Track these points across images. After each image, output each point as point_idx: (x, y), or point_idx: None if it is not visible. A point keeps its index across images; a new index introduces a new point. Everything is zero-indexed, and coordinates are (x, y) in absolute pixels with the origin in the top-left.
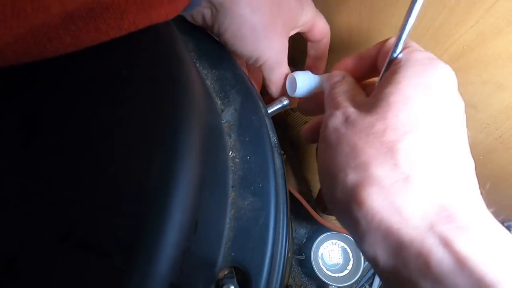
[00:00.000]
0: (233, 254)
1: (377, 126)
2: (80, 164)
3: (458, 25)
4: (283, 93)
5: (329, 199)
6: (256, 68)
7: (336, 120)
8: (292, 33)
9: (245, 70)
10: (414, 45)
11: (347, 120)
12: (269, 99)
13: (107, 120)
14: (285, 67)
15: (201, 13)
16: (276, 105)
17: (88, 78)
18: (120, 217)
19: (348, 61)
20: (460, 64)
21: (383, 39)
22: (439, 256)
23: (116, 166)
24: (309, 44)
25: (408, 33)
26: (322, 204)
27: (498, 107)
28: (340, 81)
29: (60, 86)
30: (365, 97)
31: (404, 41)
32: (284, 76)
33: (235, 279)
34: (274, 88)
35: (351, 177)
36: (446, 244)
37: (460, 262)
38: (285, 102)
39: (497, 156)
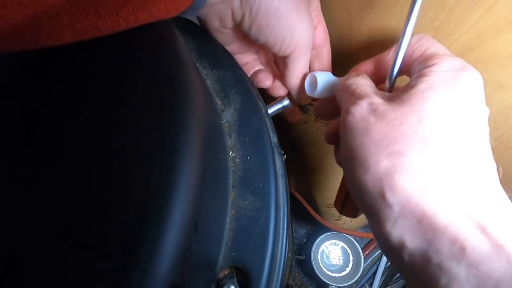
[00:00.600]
0: (233, 254)
1: (412, 118)
2: (81, 164)
3: (458, 25)
4: (301, 89)
5: (357, 187)
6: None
7: (362, 109)
8: None
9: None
10: (440, 48)
11: (375, 110)
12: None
13: (107, 120)
14: (308, 60)
15: (230, 7)
16: (276, 105)
17: (88, 78)
18: (120, 217)
19: (369, 65)
20: None
21: (383, 40)
22: (475, 242)
23: (117, 166)
24: (312, 54)
25: (409, 40)
26: (340, 205)
27: (498, 107)
28: (358, 77)
29: (61, 85)
30: (384, 93)
31: (406, 46)
32: (305, 69)
33: (235, 279)
34: (295, 79)
35: (385, 163)
36: (483, 230)
37: (498, 248)
38: (285, 102)
39: (497, 156)
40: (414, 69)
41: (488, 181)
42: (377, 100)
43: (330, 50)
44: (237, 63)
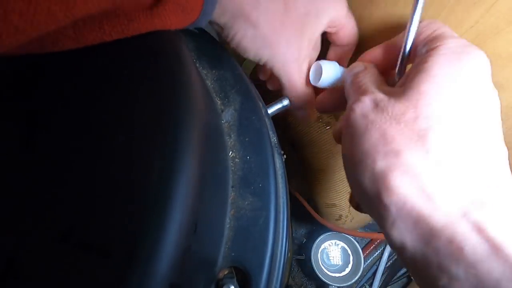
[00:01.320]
0: (233, 254)
1: (408, 114)
2: (81, 164)
3: (457, 25)
4: (305, 97)
5: (356, 186)
6: None
7: (364, 106)
8: (317, 33)
9: None
10: (447, 31)
11: (376, 106)
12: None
13: (107, 120)
14: (300, 71)
15: (215, 31)
16: (276, 105)
17: (89, 78)
18: (120, 217)
19: (378, 51)
20: None
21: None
22: (473, 242)
23: (117, 166)
24: (332, 47)
25: (418, 24)
26: (355, 201)
27: None
28: (363, 71)
29: (61, 85)
30: (389, 87)
31: (413, 35)
32: (300, 79)
33: (235, 279)
34: (293, 91)
35: (380, 163)
36: (480, 230)
37: (495, 248)
38: (285, 102)
39: None
40: (418, 53)
41: (494, 173)
42: (380, 96)
43: (352, 50)
44: (236, 63)
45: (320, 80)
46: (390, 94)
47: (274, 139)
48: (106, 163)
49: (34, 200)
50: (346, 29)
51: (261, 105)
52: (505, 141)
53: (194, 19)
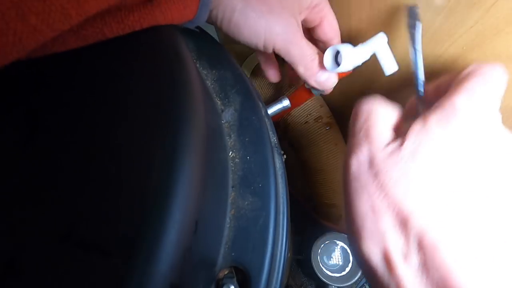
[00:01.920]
0: (233, 254)
1: (399, 187)
2: (81, 164)
3: (457, 26)
4: (314, 73)
5: (352, 247)
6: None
7: (360, 161)
8: (306, 3)
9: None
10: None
11: (371, 164)
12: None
13: (107, 119)
14: (305, 48)
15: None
16: (276, 105)
17: (89, 78)
18: (120, 216)
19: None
20: (459, 64)
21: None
22: None
23: (117, 166)
24: (320, 46)
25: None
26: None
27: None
28: (376, 110)
29: (61, 85)
30: (396, 137)
31: (423, 75)
32: (306, 57)
33: (235, 279)
34: (301, 69)
35: (366, 244)
36: None
37: None
38: (285, 102)
39: None
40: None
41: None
42: (378, 150)
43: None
44: (236, 63)
45: (341, 65)
46: (389, 152)
47: (274, 139)
48: (107, 162)
49: (33, 200)
50: (329, 19)
51: (261, 105)
52: None
53: (195, 11)
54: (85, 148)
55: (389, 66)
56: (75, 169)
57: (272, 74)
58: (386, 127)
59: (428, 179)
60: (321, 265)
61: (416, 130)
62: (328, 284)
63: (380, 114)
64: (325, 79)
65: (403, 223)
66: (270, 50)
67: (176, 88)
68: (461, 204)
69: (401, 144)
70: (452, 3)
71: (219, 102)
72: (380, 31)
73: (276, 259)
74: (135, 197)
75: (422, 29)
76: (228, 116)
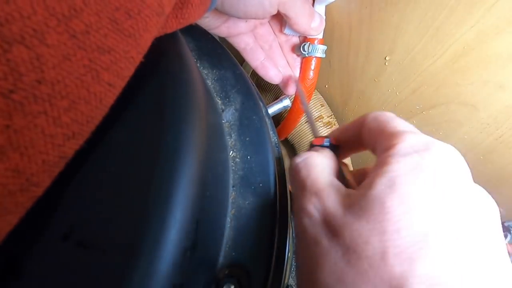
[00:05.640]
0: (233, 253)
1: (373, 245)
2: (81, 163)
3: (458, 25)
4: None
5: None
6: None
7: (311, 220)
8: None
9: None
10: (405, 128)
11: (326, 223)
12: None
13: (108, 118)
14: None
15: None
16: (276, 105)
17: None
18: (121, 216)
19: (335, 133)
20: (460, 64)
21: (384, 41)
22: None
23: (118, 165)
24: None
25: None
26: None
27: (498, 107)
28: (315, 154)
29: None
30: (345, 188)
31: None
32: (304, 8)
33: (235, 279)
34: (302, 20)
35: None
36: None
37: None
38: (286, 102)
39: (497, 156)
40: (374, 150)
41: None
42: (331, 205)
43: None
44: (237, 63)
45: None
46: (346, 204)
47: (274, 139)
48: (107, 162)
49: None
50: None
51: (261, 105)
52: (505, 141)
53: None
54: (85, 148)
55: None
56: (75, 168)
57: (273, 76)
58: (330, 175)
59: (405, 228)
60: None
61: (379, 183)
62: None
63: (319, 164)
64: (320, 22)
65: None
66: (275, 11)
67: (177, 87)
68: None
69: (361, 189)
70: (453, 2)
71: (219, 102)
72: None
73: (277, 259)
74: (136, 197)
75: (423, 28)
76: (228, 115)
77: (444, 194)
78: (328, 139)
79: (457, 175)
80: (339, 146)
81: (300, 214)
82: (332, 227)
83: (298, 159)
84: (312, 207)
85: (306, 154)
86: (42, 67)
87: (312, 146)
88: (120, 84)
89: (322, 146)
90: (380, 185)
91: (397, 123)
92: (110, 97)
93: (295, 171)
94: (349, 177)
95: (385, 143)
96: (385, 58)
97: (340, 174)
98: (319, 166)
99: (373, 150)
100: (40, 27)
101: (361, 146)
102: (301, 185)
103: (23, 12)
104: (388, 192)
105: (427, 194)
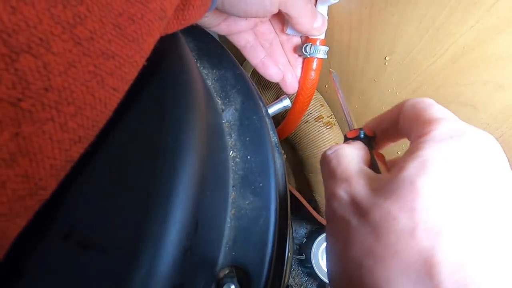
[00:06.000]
0: (233, 253)
1: (402, 221)
2: (82, 163)
3: (458, 25)
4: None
5: None
6: None
7: (341, 205)
8: None
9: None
10: (442, 115)
11: (357, 207)
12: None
13: (109, 119)
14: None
15: None
16: (276, 105)
17: None
18: (122, 216)
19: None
20: (460, 64)
21: (384, 41)
22: None
23: (118, 165)
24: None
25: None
26: None
27: (498, 107)
28: (343, 149)
29: None
30: (375, 174)
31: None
32: (306, 7)
33: (235, 279)
34: (304, 20)
35: None
36: None
37: None
38: (286, 102)
39: None
40: (410, 137)
41: None
42: (360, 191)
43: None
44: (237, 63)
45: None
46: (375, 187)
47: (274, 139)
48: (107, 162)
49: None
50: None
51: (261, 104)
52: (505, 141)
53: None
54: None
55: None
56: (76, 168)
57: (274, 74)
58: (363, 160)
59: (435, 205)
60: (321, 265)
61: (411, 165)
62: (328, 284)
63: (349, 154)
64: (322, 22)
65: (426, 264)
66: (276, 10)
67: (177, 87)
68: (489, 233)
69: (395, 175)
70: (453, 2)
71: (219, 102)
72: None
73: (277, 259)
74: (136, 197)
75: (423, 28)
76: (228, 115)
77: (475, 178)
78: (363, 131)
79: (491, 161)
80: (374, 137)
81: (330, 200)
82: (361, 209)
83: (329, 151)
84: (342, 192)
85: (336, 146)
86: (49, 75)
87: (346, 139)
88: (123, 88)
89: (357, 138)
90: (412, 168)
91: (435, 109)
92: (114, 101)
93: (326, 161)
94: (381, 165)
95: (420, 129)
96: (385, 58)
97: (373, 164)
98: (349, 156)
99: (409, 138)
100: (46, 36)
101: (398, 134)
102: (332, 174)
103: (29, 22)
104: (419, 174)
105: (458, 177)
